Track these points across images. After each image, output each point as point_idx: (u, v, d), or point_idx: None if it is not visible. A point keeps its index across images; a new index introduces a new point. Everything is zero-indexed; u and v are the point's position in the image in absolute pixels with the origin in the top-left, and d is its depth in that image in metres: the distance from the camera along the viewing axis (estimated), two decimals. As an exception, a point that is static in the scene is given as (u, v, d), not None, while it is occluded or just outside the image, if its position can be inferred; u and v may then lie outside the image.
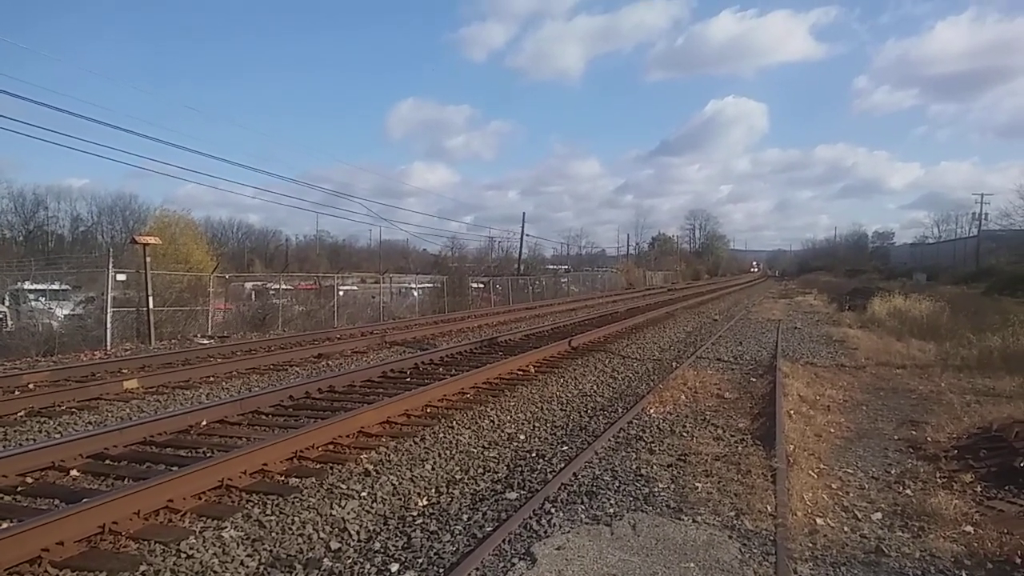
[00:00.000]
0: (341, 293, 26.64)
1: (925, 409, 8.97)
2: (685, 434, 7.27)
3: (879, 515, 5.05)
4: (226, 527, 4.65)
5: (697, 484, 5.52)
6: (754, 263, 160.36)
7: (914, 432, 7.72)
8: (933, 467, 6.25)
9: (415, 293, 33.62)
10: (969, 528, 4.75)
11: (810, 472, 6.00)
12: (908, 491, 5.61)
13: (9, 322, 20.67)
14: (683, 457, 6.33)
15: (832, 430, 7.75)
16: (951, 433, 7.43)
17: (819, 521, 4.84)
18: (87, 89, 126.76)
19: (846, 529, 4.74)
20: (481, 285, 38.44)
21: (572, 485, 5.54)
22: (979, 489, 5.59)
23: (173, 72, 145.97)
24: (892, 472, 6.19)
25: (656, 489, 5.41)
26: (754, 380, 10.98)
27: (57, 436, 7.30)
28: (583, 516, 4.82)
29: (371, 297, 29.90)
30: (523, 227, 55.68)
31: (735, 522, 4.68)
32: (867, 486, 5.77)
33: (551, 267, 65.58)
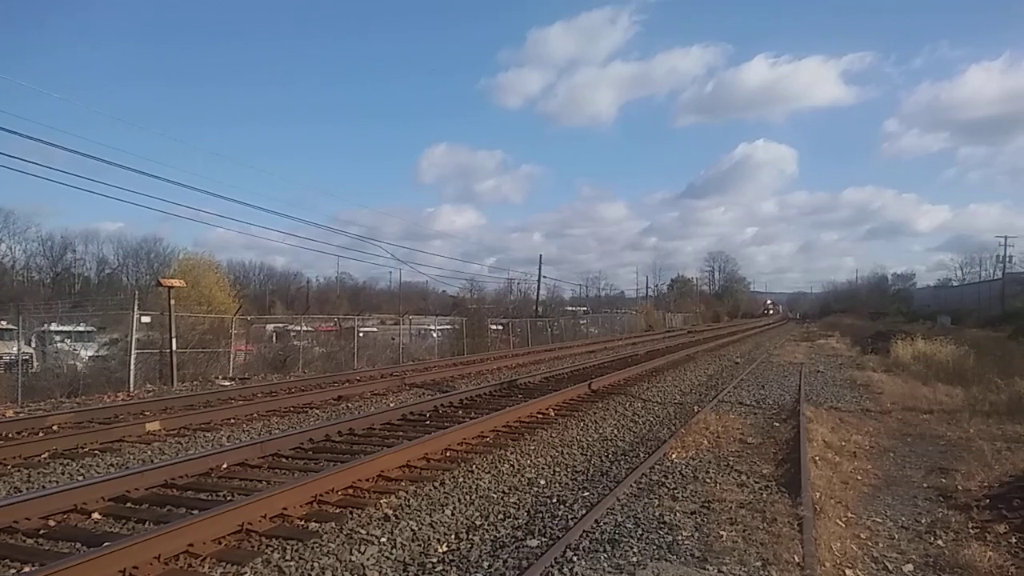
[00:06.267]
0: (361, 335, 26.78)
1: (954, 456, 8.76)
2: (708, 480, 7.16)
3: (910, 567, 4.92)
4: (246, 572, 4.64)
5: (722, 532, 5.42)
6: (768, 303, 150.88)
7: (944, 480, 7.54)
8: (965, 517, 6.09)
9: (434, 335, 33.70)
10: (1005, 581, 4.61)
11: (838, 521, 5.87)
12: (940, 542, 5.47)
13: (35, 363, 20.97)
14: (707, 504, 6.22)
15: (859, 477, 7.59)
16: (982, 481, 7.24)
17: (848, 572, 4.72)
18: (118, 135, 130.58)
19: (877, 581, 4.62)
20: (500, 327, 38.43)
21: (594, 532, 5.46)
22: (1014, 540, 5.43)
23: (210, 117, 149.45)
24: (922, 521, 6.03)
25: (680, 537, 5.31)
26: (777, 425, 10.81)
27: (80, 478, 7.35)
28: (606, 565, 4.74)
29: (391, 339, 30.00)
30: (540, 268, 55.83)
31: (762, 573, 4.58)
32: (897, 536, 5.63)
33: (570, 308, 65.46)
